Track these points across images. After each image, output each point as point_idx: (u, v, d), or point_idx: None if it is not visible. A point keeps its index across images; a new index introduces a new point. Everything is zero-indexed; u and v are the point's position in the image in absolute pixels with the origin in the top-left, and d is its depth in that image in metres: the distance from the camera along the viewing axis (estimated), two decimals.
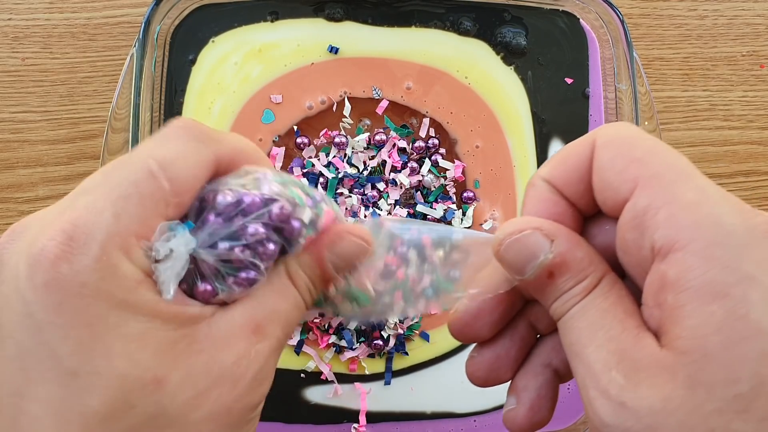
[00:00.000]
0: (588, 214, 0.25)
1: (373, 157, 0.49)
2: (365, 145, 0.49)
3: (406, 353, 0.49)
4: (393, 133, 0.49)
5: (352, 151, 0.49)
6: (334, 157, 0.49)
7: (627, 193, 0.22)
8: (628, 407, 0.20)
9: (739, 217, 0.20)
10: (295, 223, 0.25)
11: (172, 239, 0.23)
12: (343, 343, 0.48)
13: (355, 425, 0.48)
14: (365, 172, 0.49)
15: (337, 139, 0.48)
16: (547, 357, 0.27)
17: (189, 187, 0.23)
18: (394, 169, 0.49)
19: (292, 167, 0.49)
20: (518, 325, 0.27)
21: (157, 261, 0.22)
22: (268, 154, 0.49)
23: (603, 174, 0.23)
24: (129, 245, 0.22)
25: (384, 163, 0.49)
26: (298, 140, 0.49)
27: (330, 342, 0.48)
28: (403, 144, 0.49)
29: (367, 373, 0.49)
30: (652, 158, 0.22)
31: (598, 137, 0.23)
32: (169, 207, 0.23)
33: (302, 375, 0.48)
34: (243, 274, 0.24)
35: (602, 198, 0.23)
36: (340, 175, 0.48)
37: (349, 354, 0.48)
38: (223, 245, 0.23)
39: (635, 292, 0.23)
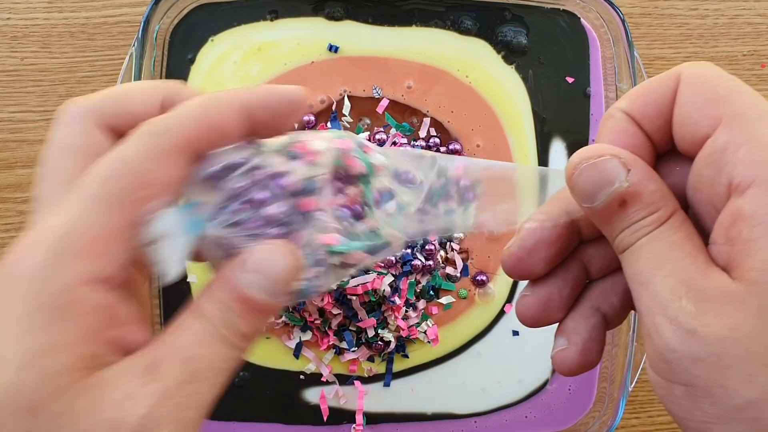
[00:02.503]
0: (662, 150, 0.25)
1: None
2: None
3: (407, 355, 0.49)
4: (393, 132, 0.49)
5: None
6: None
7: (708, 129, 0.22)
8: (697, 334, 0.20)
9: None
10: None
11: (157, 222, 0.22)
12: (344, 344, 0.48)
13: (355, 426, 0.48)
14: None
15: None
16: (597, 301, 0.27)
17: (160, 184, 0.22)
18: None
19: None
20: (571, 265, 0.27)
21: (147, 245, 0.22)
22: None
23: (685, 109, 0.23)
24: (82, 254, 0.20)
25: None
26: None
27: (330, 344, 0.48)
28: (404, 142, 0.49)
29: (366, 375, 0.48)
30: (735, 97, 0.22)
31: (683, 72, 0.23)
32: (138, 207, 0.21)
33: (302, 376, 0.48)
34: (269, 230, 0.23)
35: (681, 133, 0.23)
36: None
37: (349, 356, 0.48)
38: (222, 214, 0.23)
39: (702, 234, 0.23)
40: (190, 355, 0.21)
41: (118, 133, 0.24)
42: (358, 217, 0.25)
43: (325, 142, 0.25)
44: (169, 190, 0.22)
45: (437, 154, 0.28)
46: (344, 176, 0.25)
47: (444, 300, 0.49)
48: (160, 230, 0.22)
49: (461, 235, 0.49)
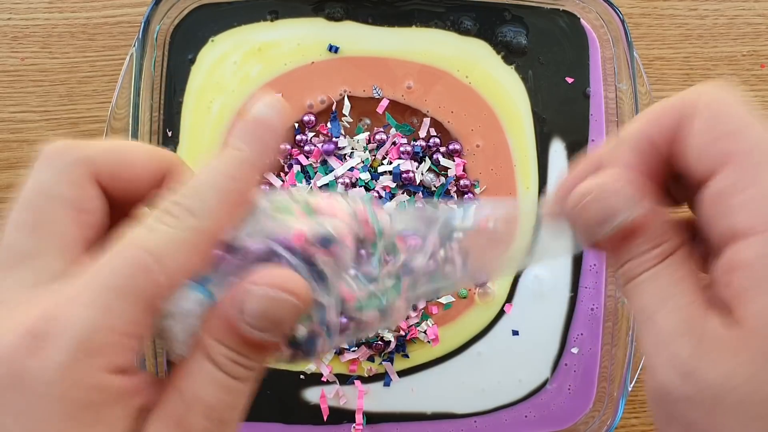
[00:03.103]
0: (674, 175, 0.24)
1: (374, 158, 0.49)
2: (365, 145, 0.49)
3: (407, 355, 0.49)
4: (393, 132, 0.49)
5: (353, 150, 0.49)
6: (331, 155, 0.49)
7: (716, 166, 0.22)
8: (694, 376, 0.20)
9: None
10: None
11: (175, 301, 0.22)
12: (344, 345, 0.48)
13: (355, 425, 0.48)
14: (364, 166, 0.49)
15: (325, 147, 0.48)
16: None
17: (184, 275, 0.21)
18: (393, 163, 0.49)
19: (291, 164, 0.49)
20: None
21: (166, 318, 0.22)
22: None
23: (696, 141, 0.22)
24: (107, 347, 0.20)
25: (384, 158, 0.49)
26: (298, 138, 0.49)
27: None
28: (403, 141, 0.49)
29: (367, 375, 0.48)
30: (746, 134, 0.21)
31: (699, 99, 0.22)
32: (159, 300, 0.21)
33: (302, 376, 0.48)
34: None
35: (691, 164, 0.23)
36: (340, 177, 0.48)
37: (349, 356, 0.48)
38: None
39: (705, 262, 0.23)
40: (210, 403, 0.21)
41: (110, 193, 0.23)
42: (371, 279, 0.25)
43: (344, 203, 0.25)
44: (189, 276, 0.22)
45: (442, 208, 0.27)
46: (359, 239, 0.25)
47: (444, 300, 0.49)
48: (176, 308, 0.22)
49: (461, 234, 0.49)
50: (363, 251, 0.25)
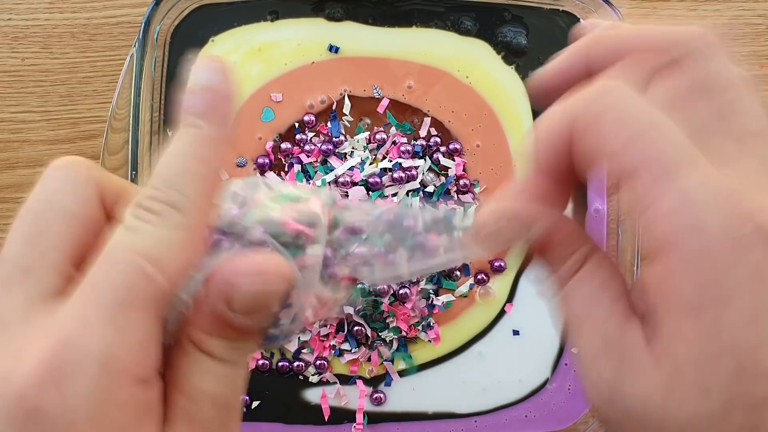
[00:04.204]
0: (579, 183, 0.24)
1: (374, 158, 0.49)
2: (365, 144, 0.49)
3: (410, 356, 0.49)
4: (393, 131, 0.49)
5: (353, 149, 0.49)
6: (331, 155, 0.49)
7: (620, 178, 0.20)
8: (615, 402, 0.20)
9: (724, 225, 0.18)
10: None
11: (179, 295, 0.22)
12: (345, 345, 0.48)
13: (355, 425, 0.48)
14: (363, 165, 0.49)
15: (324, 147, 0.48)
16: None
17: (183, 275, 0.21)
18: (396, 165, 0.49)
19: (292, 163, 0.49)
20: None
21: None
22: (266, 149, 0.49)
23: (584, 163, 0.21)
24: (131, 363, 0.19)
25: (384, 157, 0.49)
26: (298, 137, 0.49)
27: (331, 344, 0.48)
28: (404, 141, 0.49)
29: (368, 375, 0.48)
30: (635, 146, 0.20)
31: (577, 116, 0.21)
32: (165, 303, 0.20)
33: (301, 377, 0.48)
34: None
35: (609, 168, 0.21)
36: (340, 175, 0.48)
37: (349, 356, 0.48)
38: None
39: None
40: (214, 393, 0.21)
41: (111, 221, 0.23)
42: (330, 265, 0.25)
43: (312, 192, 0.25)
44: (188, 272, 0.21)
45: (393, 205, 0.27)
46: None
47: (444, 298, 0.49)
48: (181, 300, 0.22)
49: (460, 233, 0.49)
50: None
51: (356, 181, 0.48)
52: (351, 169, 0.49)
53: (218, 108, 0.22)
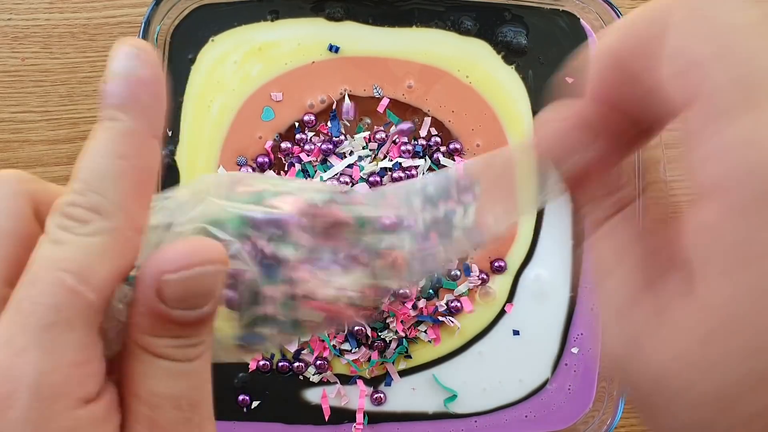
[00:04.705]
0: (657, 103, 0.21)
1: (375, 157, 0.49)
2: (365, 144, 0.49)
3: (410, 356, 0.49)
4: (393, 130, 0.49)
5: (352, 150, 0.49)
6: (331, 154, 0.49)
7: (684, 102, 0.18)
8: (636, 358, 0.18)
9: None
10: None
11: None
12: (345, 346, 0.48)
13: (355, 425, 0.48)
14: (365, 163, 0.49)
15: (323, 146, 0.49)
16: None
17: (113, 284, 0.19)
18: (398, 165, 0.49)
19: (292, 162, 0.49)
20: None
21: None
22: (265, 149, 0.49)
23: (667, 67, 0.18)
24: (68, 385, 0.18)
25: (384, 156, 0.49)
26: (298, 137, 0.49)
27: (332, 344, 0.48)
28: (404, 140, 0.49)
29: (368, 376, 0.48)
30: (716, 65, 0.17)
31: (673, 13, 0.18)
32: (99, 315, 0.19)
33: (301, 377, 0.48)
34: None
35: (665, 94, 0.19)
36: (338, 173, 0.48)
37: (350, 357, 0.48)
38: None
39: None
40: (172, 394, 0.20)
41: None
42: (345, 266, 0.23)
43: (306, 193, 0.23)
44: (123, 280, 0.20)
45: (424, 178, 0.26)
46: (327, 228, 0.23)
47: (444, 300, 0.49)
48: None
49: (460, 233, 0.49)
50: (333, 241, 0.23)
51: (355, 180, 0.48)
52: (350, 166, 0.48)
53: (141, 98, 0.20)
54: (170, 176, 0.48)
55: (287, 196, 0.23)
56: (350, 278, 0.23)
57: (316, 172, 0.49)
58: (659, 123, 0.20)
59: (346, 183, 0.48)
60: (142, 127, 0.20)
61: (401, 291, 0.47)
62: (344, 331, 0.48)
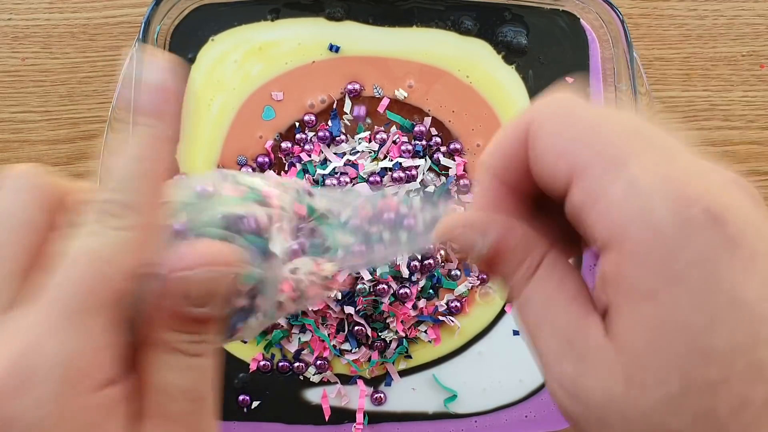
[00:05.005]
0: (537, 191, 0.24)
1: (375, 158, 0.49)
2: (366, 144, 0.49)
3: (410, 356, 0.49)
4: (394, 130, 0.49)
5: (352, 150, 0.49)
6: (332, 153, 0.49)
7: (565, 186, 0.21)
8: (579, 398, 0.20)
9: (672, 209, 0.19)
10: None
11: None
12: (345, 346, 0.48)
13: (355, 425, 0.48)
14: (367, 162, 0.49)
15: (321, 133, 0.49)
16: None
17: (139, 273, 0.21)
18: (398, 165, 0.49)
19: (293, 162, 0.49)
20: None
21: None
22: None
23: (538, 165, 0.22)
24: (92, 367, 0.20)
25: (386, 156, 0.49)
26: (298, 136, 0.49)
27: (332, 344, 0.48)
28: (404, 140, 0.49)
29: (368, 376, 0.48)
30: (584, 142, 0.20)
31: (532, 121, 0.22)
32: (125, 302, 0.21)
33: (301, 378, 0.48)
34: None
35: (544, 186, 0.22)
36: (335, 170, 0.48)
37: (350, 357, 0.48)
38: None
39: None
40: (184, 386, 0.22)
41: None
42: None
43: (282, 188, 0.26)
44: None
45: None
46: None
47: (444, 300, 0.49)
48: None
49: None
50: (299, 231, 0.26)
51: (353, 177, 0.48)
52: (355, 166, 0.48)
53: (169, 107, 0.22)
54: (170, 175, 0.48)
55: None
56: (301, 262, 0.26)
57: (316, 171, 0.48)
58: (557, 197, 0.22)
59: (346, 183, 0.48)
60: (165, 131, 0.22)
61: (402, 291, 0.47)
62: (345, 331, 0.48)
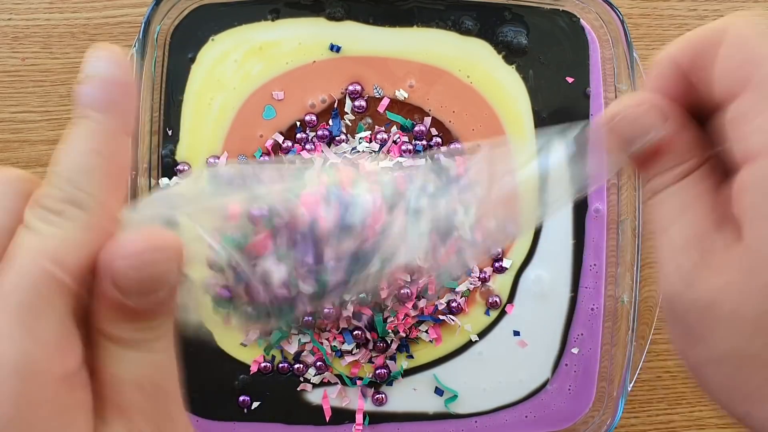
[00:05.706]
0: (705, 99, 0.25)
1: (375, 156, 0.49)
2: (366, 144, 0.49)
3: (411, 356, 0.49)
4: (394, 130, 0.49)
5: (352, 149, 0.49)
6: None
7: (735, 92, 0.22)
8: (693, 286, 0.22)
9: None
10: None
11: None
12: (345, 346, 0.48)
13: (355, 425, 0.48)
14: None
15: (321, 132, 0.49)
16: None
17: (89, 269, 0.20)
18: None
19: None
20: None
21: None
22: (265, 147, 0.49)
23: (723, 66, 0.23)
24: (48, 362, 0.19)
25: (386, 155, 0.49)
26: (299, 136, 0.49)
27: (332, 345, 0.48)
28: (405, 140, 0.49)
29: (368, 376, 0.48)
30: (765, 62, 0.22)
31: (729, 28, 0.23)
32: (76, 298, 0.20)
33: (301, 378, 0.48)
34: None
35: (711, 90, 0.23)
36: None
37: (350, 357, 0.48)
38: None
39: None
40: (135, 379, 0.21)
41: None
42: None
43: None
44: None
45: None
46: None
47: (444, 300, 0.49)
48: None
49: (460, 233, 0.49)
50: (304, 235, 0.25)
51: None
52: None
53: (118, 100, 0.22)
54: (170, 175, 0.48)
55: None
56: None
57: None
58: (708, 113, 0.24)
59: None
60: (115, 124, 0.21)
61: (402, 291, 0.47)
62: (339, 330, 0.48)
